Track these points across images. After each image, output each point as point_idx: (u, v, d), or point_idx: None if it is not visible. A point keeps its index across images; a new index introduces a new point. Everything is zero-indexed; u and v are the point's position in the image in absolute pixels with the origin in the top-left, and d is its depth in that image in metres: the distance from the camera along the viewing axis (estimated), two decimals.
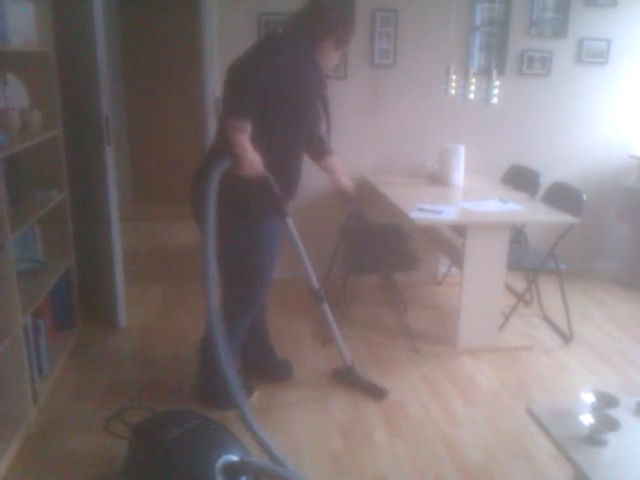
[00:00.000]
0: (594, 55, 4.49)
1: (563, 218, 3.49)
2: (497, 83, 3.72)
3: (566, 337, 3.71)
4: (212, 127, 3.83)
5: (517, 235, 4.01)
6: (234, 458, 2.13)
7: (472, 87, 3.90)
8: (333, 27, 2.61)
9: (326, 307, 2.99)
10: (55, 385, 3.04)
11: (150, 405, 2.82)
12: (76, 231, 3.47)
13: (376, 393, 3.05)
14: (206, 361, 2.86)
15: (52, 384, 3.03)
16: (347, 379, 3.14)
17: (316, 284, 2.94)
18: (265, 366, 3.17)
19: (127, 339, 3.59)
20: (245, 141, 2.46)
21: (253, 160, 2.48)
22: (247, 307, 2.82)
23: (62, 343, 3.32)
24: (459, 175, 4.13)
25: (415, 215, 3.36)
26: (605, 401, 2.02)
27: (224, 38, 4.06)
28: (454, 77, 4.05)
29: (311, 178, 3.04)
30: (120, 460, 2.34)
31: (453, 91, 4.06)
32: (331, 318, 3.01)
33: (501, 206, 3.61)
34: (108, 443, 2.61)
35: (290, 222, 2.77)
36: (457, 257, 3.70)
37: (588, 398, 2.02)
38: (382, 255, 3.68)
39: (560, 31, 4.41)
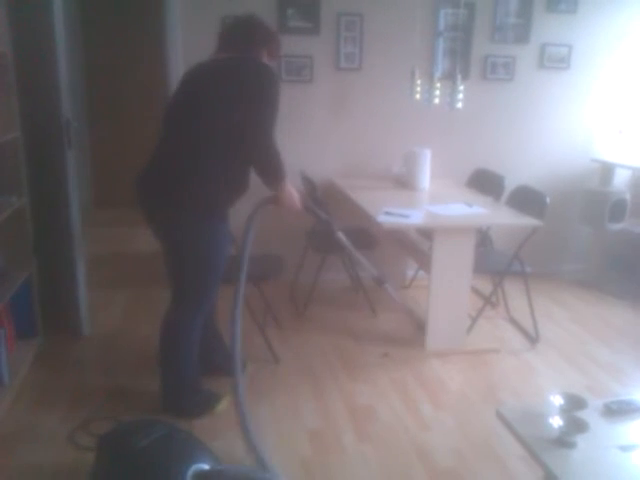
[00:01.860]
0: (556, 60, 4.56)
1: (527, 221, 3.53)
2: (461, 88, 3.74)
3: (532, 339, 3.75)
4: None
5: (482, 238, 4.04)
6: (205, 467, 2.10)
7: (437, 92, 3.92)
8: (267, 40, 2.75)
9: (388, 286, 3.22)
10: (16, 396, 2.95)
11: (115, 415, 2.76)
12: (37, 237, 3.38)
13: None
14: (169, 370, 2.82)
15: (13, 395, 2.94)
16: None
17: (376, 272, 3.14)
18: (214, 359, 3.11)
19: (91, 347, 3.51)
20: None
21: (293, 193, 2.71)
22: (202, 304, 2.79)
23: (23, 352, 3.22)
24: (425, 179, 4.15)
25: (382, 219, 3.36)
26: (573, 403, 2.03)
27: (188, 41, 4.02)
28: (419, 82, 4.06)
29: None
30: (85, 473, 2.28)
31: (418, 95, 4.08)
32: (394, 291, 3.44)
33: (467, 210, 3.63)
34: (72, 455, 2.54)
35: (342, 235, 2.96)
36: (424, 260, 3.72)
37: (557, 400, 2.03)
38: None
39: (523, 37, 4.47)
